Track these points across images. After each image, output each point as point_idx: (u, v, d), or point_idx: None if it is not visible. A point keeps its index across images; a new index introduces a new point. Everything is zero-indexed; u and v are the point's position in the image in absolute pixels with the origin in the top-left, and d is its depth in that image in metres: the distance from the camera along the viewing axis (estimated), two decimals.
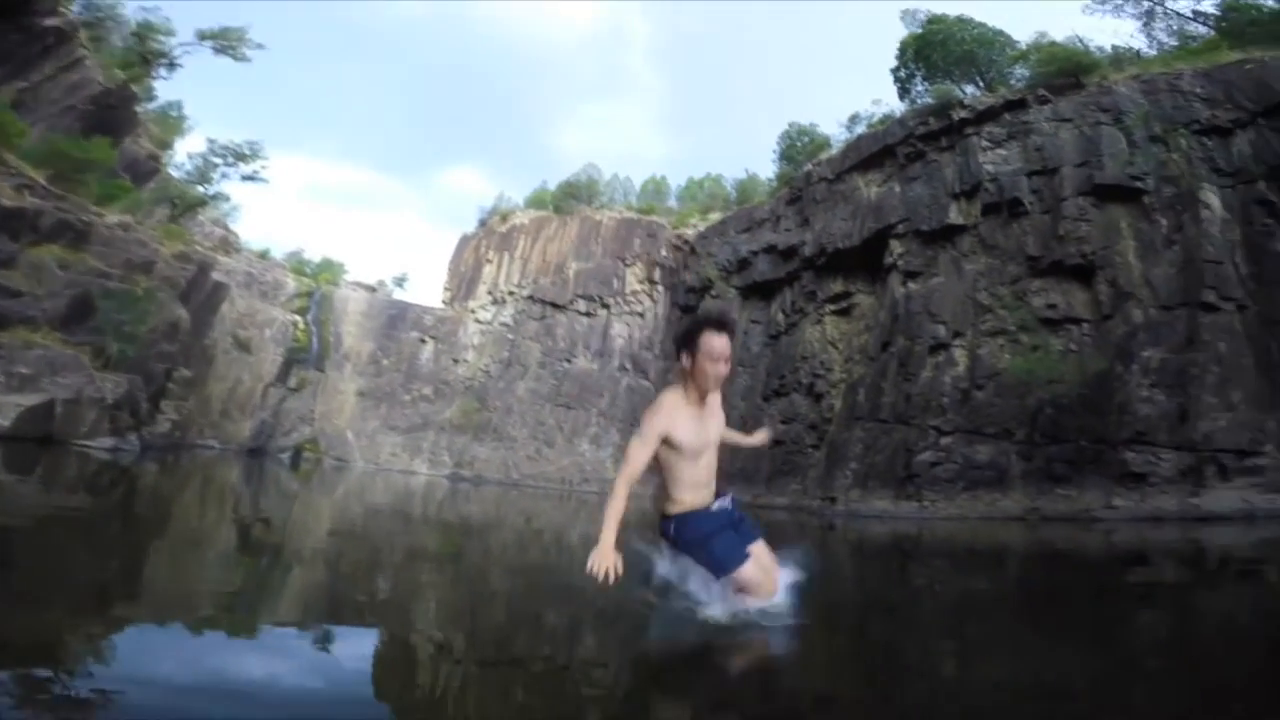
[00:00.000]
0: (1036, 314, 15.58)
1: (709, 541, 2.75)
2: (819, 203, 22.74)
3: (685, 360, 2.71)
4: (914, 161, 19.69)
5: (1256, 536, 8.57)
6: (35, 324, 16.33)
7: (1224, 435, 11.74)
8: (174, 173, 29.89)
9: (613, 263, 34.04)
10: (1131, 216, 14.95)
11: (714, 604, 2.76)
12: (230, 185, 32.38)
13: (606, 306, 33.56)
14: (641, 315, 32.96)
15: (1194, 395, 12.28)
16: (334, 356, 36.72)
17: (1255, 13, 17.09)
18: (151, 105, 27.87)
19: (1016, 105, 17.82)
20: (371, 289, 43.19)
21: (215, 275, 27.84)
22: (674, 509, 2.81)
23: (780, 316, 23.58)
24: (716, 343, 2.63)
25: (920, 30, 22.89)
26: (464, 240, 40.52)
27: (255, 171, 30.56)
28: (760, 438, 3.54)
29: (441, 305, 39.40)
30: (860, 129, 23.63)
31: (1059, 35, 19.97)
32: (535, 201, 40.28)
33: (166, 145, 28.57)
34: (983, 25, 21.98)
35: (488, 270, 37.90)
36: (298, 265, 42.47)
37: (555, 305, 34.68)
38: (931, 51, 22.05)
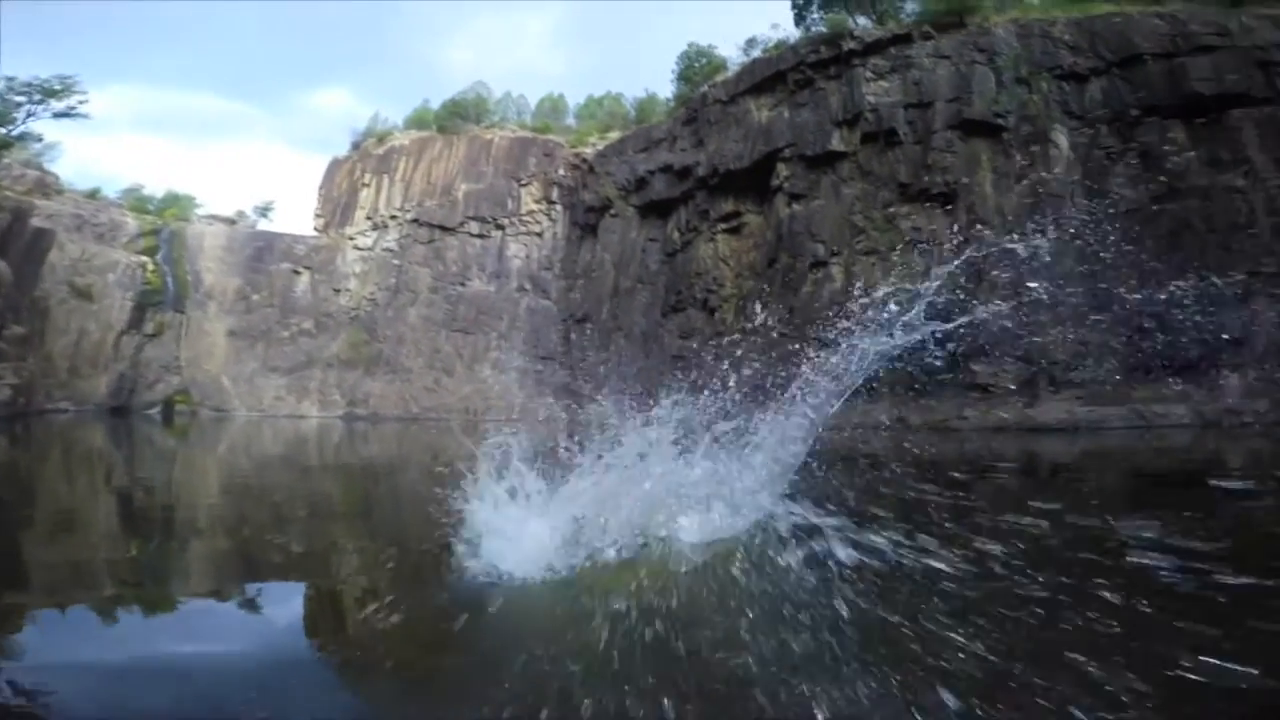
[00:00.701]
0: (904, 236, 17.05)
1: None
2: (713, 124, 22.94)
3: None
4: (803, 88, 20.18)
5: (1079, 448, 10.11)
6: None
7: (1054, 349, 13.81)
8: None
9: (506, 183, 32.57)
10: (991, 151, 16.45)
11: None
12: (43, 125, 28.50)
13: (501, 227, 32.39)
14: (539, 235, 32.13)
15: (1031, 314, 14.20)
16: (194, 296, 33.03)
17: None
18: None
19: (902, 39, 18.56)
20: (231, 221, 38.89)
21: (35, 221, 25.36)
22: None
23: (676, 235, 24.14)
24: None
25: None
26: (335, 164, 36.93)
27: (71, 107, 27.19)
28: None
29: (315, 233, 36.13)
30: (756, 53, 23.58)
31: None
32: (416, 122, 37.13)
33: None
34: None
35: (365, 194, 34.96)
36: (137, 203, 37.26)
37: (444, 228, 32.96)
38: None
